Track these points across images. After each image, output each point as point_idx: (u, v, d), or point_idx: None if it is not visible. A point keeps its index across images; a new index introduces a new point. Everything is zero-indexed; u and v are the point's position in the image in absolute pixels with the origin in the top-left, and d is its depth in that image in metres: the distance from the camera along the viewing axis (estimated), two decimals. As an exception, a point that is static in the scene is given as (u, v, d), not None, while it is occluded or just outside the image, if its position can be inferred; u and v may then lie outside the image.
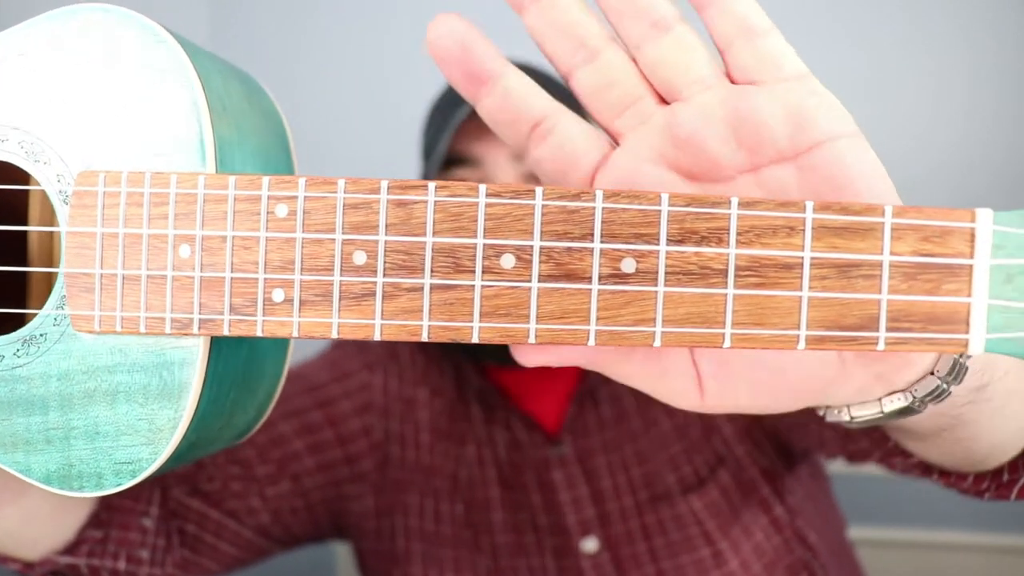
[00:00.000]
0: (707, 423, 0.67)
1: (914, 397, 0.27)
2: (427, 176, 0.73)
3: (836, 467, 0.70)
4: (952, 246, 0.23)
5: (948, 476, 0.42)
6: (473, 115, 0.68)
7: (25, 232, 0.36)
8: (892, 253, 0.23)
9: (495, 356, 0.73)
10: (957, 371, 0.27)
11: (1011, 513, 0.43)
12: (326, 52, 1.11)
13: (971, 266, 0.23)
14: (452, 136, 0.68)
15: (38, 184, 0.28)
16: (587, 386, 0.72)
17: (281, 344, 0.32)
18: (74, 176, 0.27)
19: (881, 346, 0.23)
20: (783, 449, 0.67)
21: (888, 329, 0.23)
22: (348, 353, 0.74)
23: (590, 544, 0.65)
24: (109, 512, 0.51)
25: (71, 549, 0.47)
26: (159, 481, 0.57)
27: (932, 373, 0.27)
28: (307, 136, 1.12)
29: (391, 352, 0.75)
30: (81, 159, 0.27)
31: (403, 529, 0.68)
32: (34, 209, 0.36)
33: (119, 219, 0.26)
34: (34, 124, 0.27)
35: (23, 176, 0.30)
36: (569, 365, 0.28)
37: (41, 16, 0.27)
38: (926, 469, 0.43)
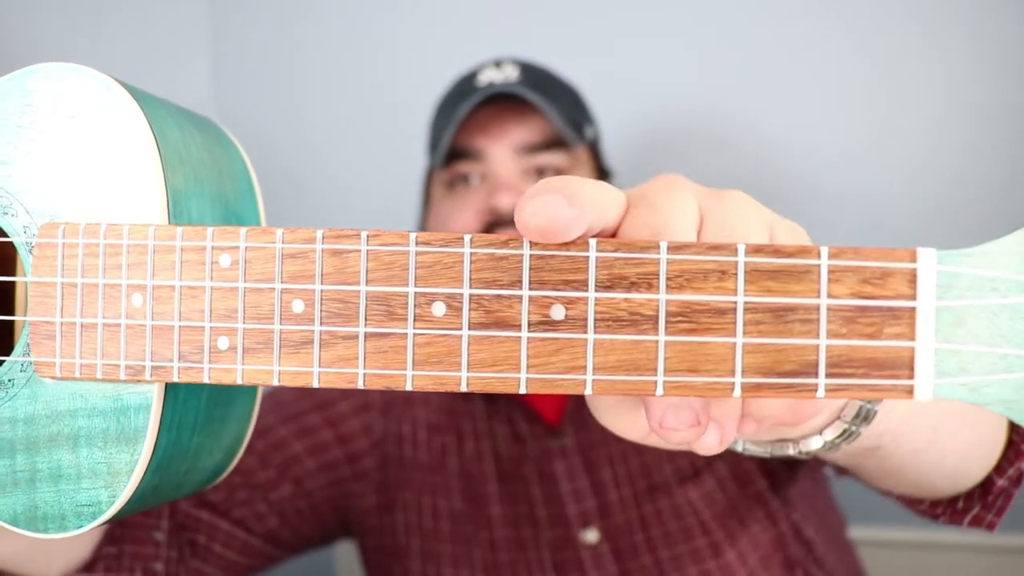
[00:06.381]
0: None
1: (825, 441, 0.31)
2: (432, 169, 0.75)
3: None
4: (893, 288, 0.22)
5: (903, 498, 0.47)
6: (476, 110, 0.69)
7: (13, 280, 0.37)
8: (829, 296, 0.22)
9: None
10: (864, 415, 0.31)
11: (1011, 513, 0.43)
12: (327, 52, 1.12)
13: (914, 308, 0.22)
14: (456, 130, 0.69)
15: (7, 236, 0.29)
16: None
17: (249, 388, 0.32)
18: (38, 228, 0.28)
19: (821, 393, 0.22)
20: None
21: (828, 375, 0.22)
22: None
23: (590, 535, 0.65)
24: (122, 528, 0.52)
25: (88, 567, 0.49)
26: None
27: (839, 419, 0.31)
28: (306, 135, 1.14)
29: None
30: (45, 212, 0.28)
31: (403, 525, 0.69)
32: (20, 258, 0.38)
33: (78, 269, 0.27)
34: (1, 178, 0.29)
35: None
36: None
37: (6, 76, 0.28)
38: (885, 492, 0.48)
